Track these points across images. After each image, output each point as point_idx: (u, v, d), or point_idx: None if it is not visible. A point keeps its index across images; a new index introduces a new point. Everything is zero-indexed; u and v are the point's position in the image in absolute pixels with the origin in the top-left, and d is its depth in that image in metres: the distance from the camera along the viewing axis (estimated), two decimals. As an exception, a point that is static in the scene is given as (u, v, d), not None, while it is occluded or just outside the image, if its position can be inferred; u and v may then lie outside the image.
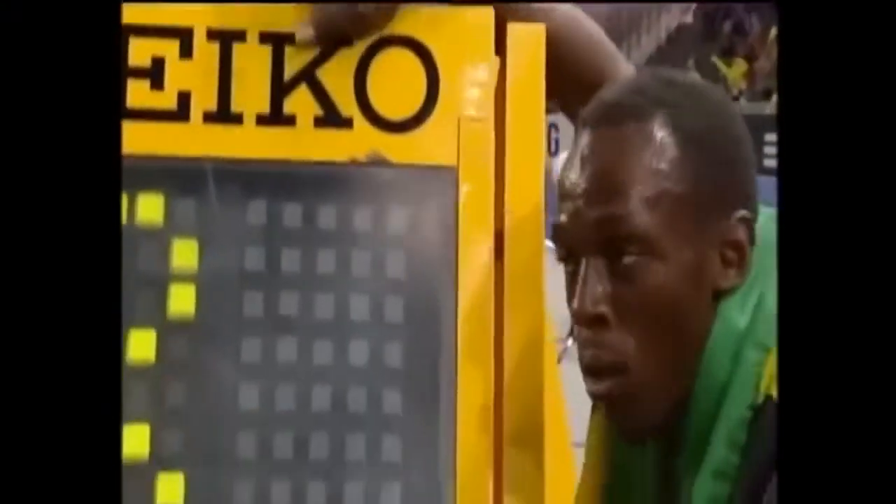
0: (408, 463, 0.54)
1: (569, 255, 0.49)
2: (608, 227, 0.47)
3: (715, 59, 10.42)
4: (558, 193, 0.51)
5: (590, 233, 0.47)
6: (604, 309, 0.46)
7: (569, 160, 0.50)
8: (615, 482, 0.55)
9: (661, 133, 0.47)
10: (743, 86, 10.17)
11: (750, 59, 10.38)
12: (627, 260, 0.46)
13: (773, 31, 8.90)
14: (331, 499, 0.53)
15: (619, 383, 0.47)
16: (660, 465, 0.52)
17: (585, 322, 0.47)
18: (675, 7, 12.09)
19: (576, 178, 0.48)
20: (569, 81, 0.61)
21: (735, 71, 10.25)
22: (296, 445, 0.53)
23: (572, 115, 0.60)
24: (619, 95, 0.51)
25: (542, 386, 0.53)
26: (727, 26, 11.26)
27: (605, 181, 0.47)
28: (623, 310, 0.46)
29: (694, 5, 12.30)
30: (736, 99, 9.64)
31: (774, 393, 0.43)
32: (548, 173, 0.61)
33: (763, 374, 0.44)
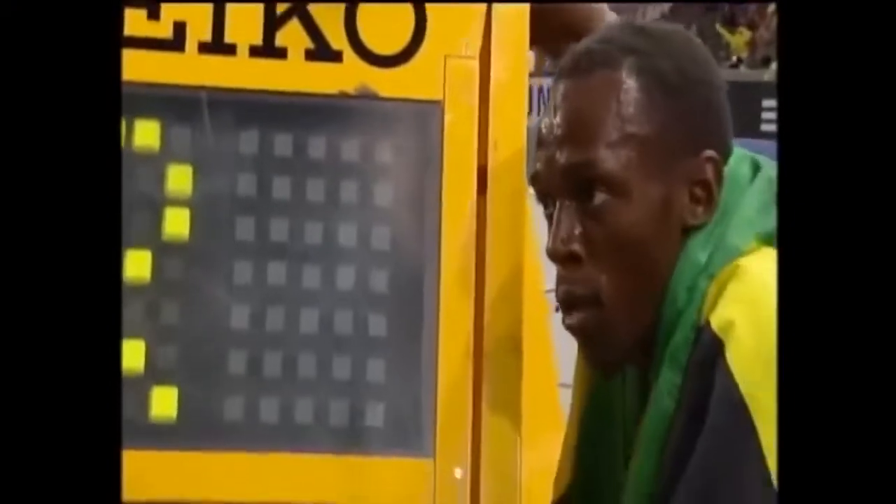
0: (391, 383, 0.56)
1: (545, 199, 0.51)
2: (578, 171, 0.49)
3: (718, 27, 10.71)
4: (536, 142, 0.53)
5: (562, 177, 0.49)
6: (576, 247, 0.48)
7: (545, 110, 0.52)
8: (600, 409, 0.58)
9: (629, 79, 0.49)
10: (744, 54, 10.40)
11: (751, 28, 10.63)
12: (597, 201, 0.48)
13: (773, 5, 9.21)
14: (317, 415, 0.56)
15: (591, 315, 0.49)
16: (638, 391, 0.55)
17: (559, 260, 0.50)
18: None
19: (549, 126, 0.50)
20: (556, 28, 0.63)
21: (738, 39, 10.45)
22: (284, 364, 0.56)
23: (557, 57, 0.61)
24: (590, 45, 0.52)
25: (521, 311, 0.55)
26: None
27: (574, 128, 0.49)
28: (594, 247, 0.49)
29: None
30: (736, 66, 10.02)
31: (712, 319, 0.45)
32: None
33: (706, 301, 0.47)
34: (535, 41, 0.62)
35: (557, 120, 0.50)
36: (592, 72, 0.49)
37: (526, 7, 0.58)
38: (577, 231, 0.49)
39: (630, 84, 0.49)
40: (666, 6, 12.67)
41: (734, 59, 10.43)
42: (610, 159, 0.48)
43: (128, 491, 0.53)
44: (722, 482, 0.44)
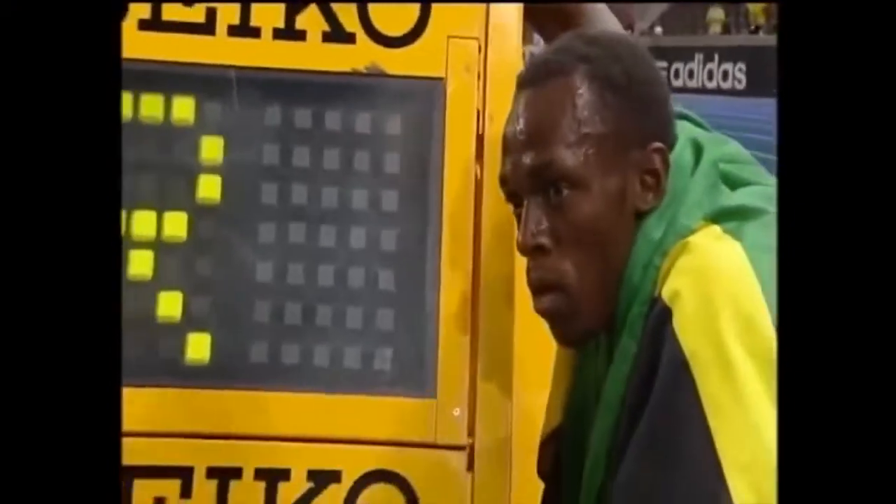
0: (398, 331, 0.62)
1: (514, 198, 0.55)
2: (542, 172, 0.53)
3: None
4: (502, 147, 0.56)
5: (528, 178, 0.53)
6: (543, 239, 0.53)
7: (508, 117, 0.56)
8: (582, 367, 0.63)
9: (582, 85, 0.53)
10: (762, 21, 11.17)
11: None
12: (559, 197, 0.52)
13: None
14: (332, 359, 0.62)
15: (558, 298, 0.53)
16: (606, 357, 0.59)
17: (528, 252, 0.54)
18: None
19: (514, 132, 0.54)
20: (549, 17, 0.68)
21: (756, 8, 11.17)
22: (304, 313, 0.62)
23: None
24: (546, 56, 0.57)
25: (513, 266, 0.60)
26: None
27: (536, 133, 0.53)
28: (559, 238, 0.53)
29: None
30: (755, 32, 11.15)
31: (663, 291, 0.49)
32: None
33: (660, 276, 0.51)
34: (527, 20, 0.66)
35: (521, 126, 0.54)
36: (549, 81, 0.54)
37: None
38: (544, 225, 0.53)
39: (583, 89, 0.53)
40: None
41: (753, 26, 11.31)
42: (569, 158, 0.52)
43: (164, 424, 0.59)
44: (667, 433, 0.48)
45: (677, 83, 11.80)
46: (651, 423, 0.48)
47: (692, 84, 11.87)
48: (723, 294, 0.47)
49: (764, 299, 0.46)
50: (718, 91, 11.40)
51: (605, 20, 0.70)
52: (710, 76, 11.73)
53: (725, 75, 11.53)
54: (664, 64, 12.27)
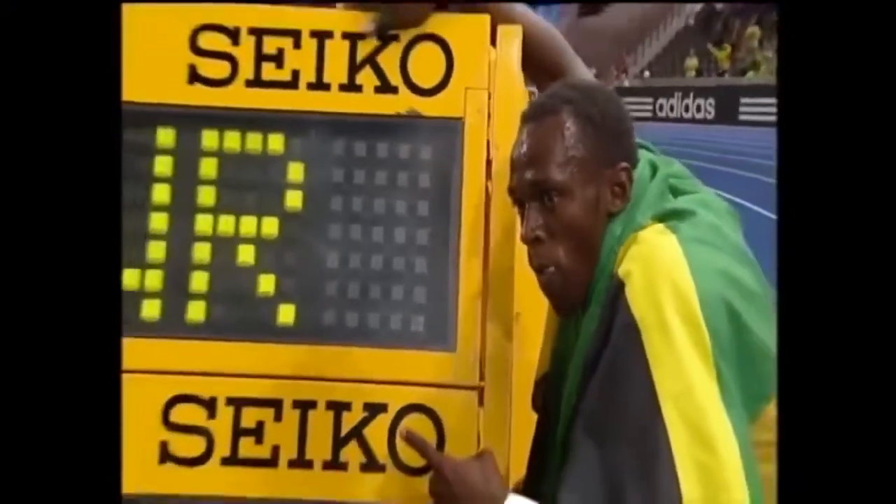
0: (429, 303, 0.82)
1: (519, 204, 0.74)
2: (539, 184, 0.71)
3: (709, 47, 15.57)
4: (510, 166, 0.74)
5: (528, 188, 0.72)
6: (540, 233, 0.71)
7: (515, 144, 0.74)
8: (559, 340, 0.81)
9: (568, 121, 0.71)
10: (727, 66, 15.15)
11: (733, 47, 15.29)
12: (552, 203, 0.70)
13: (749, 29, 14.54)
14: (381, 323, 0.82)
15: (553, 276, 0.72)
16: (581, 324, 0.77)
17: (529, 242, 0.72)
18: (684, 13, 17.43)
19: (519, 155, 0.73)
20: (540, 69, 0.87)
21: (723, 54, 15.14)
22: (361, 290, 0.83)
23: (542, 90, 0.86)
24: (542, 99, 0.75)
25: (513, 257, 0.81)
26: (718, 26, 16.52)
27: (534, 156, 0.71)
28: (552, 232, 0.71)
29: (697, 9, 17.75)
30: (722, 75, 15.27)
31: (619, 271, 0.65)
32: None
33: (618, 260, 0.68)
34: (524, 73, 0.87)
35: (524, 151, 0.72)
36: (544, 118, 0.72)
37: (518, 56, 0.83)
38: (540, 222, 0.71)
39: (569, 124, 0.71)
40: (674, 31, 18.39)
41: (720, 70, 15.48)
42: (559, 175, 0.70)
43: (263, 369, 0.81)
44: (618, 374, 0.64)
45: (661, 115, 15.71)
46: (607, 367, 0.66)
47: (673, 115, 15.38)
48: (662, 274, 0.64)
49: (691, 278, 0.63)
50: (693, 121, 14.77)
51: (581, 71, 0.89)
52: (687, 109, 15.43)
53: (699, 108, 15.09)
54: (650, 99, 16.41)
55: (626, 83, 16.95)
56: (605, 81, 14.17)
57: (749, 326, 0.64)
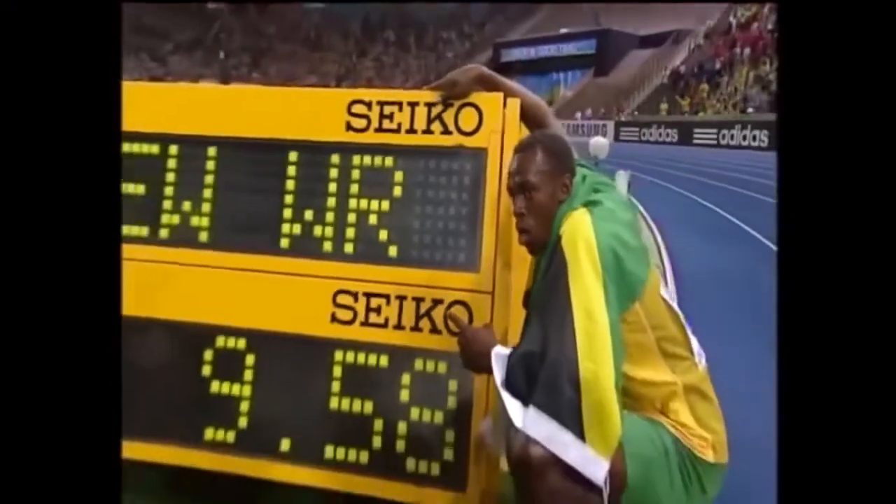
0: (469, 255, 1.49)
1: (512, 195, 1.32)
2: (522, 186, 1.27)
3: (676, 97, 25.02)
4: (508, 175, 1.32)
5: (516, 187, 1.29)
6: (521, 211, 1.29)
7: (510, 163, 1.32)
8: (534, 268, 1.43)
9: (540, 153, 1.28)
10: (687, 108, 24.11)
11: (691, 98, 24.69)
12: (529, 195, 1.27)
13: (701, 86, 24.67)
14: (445, 257, 1.51)
15: (528, 235, 1.30)
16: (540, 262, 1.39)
17: (516, 215, 1.30)
18: (657, 77, 27.67)
19: (512, 170, 1.31)
20: (531, 122, 1.50)
21: (685, 103, 24.61)
22: (433, 243, 1.51)
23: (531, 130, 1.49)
24: (525, 139, 1.34)
25: (511, 228, 1.45)
26: (681, 84, 26.04)
27: (520, 171, 1.28)
28: (528, 209, 1.28)
29: (670, 70, 27.50)
30: (682, 114, 24.33)
31: (561, 232, 1.20)
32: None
33: (561, 224, 1.22)
34: (523, 122, 1.51)
35: (515, 167, 1.31)
36: (526, 150, 1.31)
37: (517, 115, 1.47)
38: (522, 206, 1.29)
39: (539, 153, 1.29)
40: (651, 88, 26.91)
41: (682, 111, 24.30)
42: (533, 179, 1.28)
43: (382, 286, 1.52)
44: (552, 291, 1.18)
45: (644, 139, 24.24)
46: (549, 280, 1.26)
47: (651, 139, 23.93)
48: (579, 234, 1.21)
49: (594, 236, 1.19)
50: (663, 143, 23.04)
51: (554, 123, 1.50)
52: (660, 136, 23.83)
53: (667, 135, 23.56)
54: (637, 129, 25.30)
55: (622, 118, 26.99)
56: (608, 116, 27.11)
57: (625, 263, 1.17)
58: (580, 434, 1.04)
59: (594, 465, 1.04)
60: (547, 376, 1.08)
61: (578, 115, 27.68)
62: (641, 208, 7.42)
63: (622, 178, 7.06)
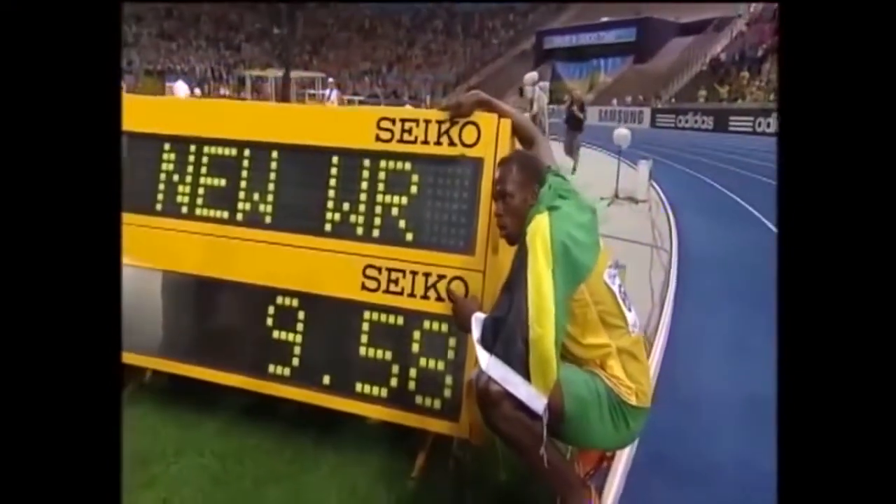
0: (467, 241, 1.77)
1: (494, 199, 1.60)
2: (502, 193, 1.54)
3: (715, 85, 24.02)
4: (492, 183, 1.62)
5: (497, 193, 1.56)
6: (500, 212, 1.56)
7: (495, 172, 1.61)
8: (514, 257, 1.70)
9: (515, 167, 1.55)
10: (725, 95, 22.85)
11: (730, 85, 23.32)
12: (506, 199, 1.54)
13: (741, 74, 23.31)
14: (448, 241, 1.80)
15: (506, 230, 1.57)
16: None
17: (497, 216, 1.58)
18: (697, 64, 26.08)
19: (495, 178, 1.59)
20: (522, 138, 1.75)
21: (723, 90, 23.41)
22: (441, 229, 1.81)
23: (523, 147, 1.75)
24: (507, 156, 1.61)
25: (498, 245, 1.73)
26: (721, 71, 24.57)
27: (501, 180, 1.55)
28: (505, 211, 1.55)
29: (710, 57, 26.07)
30: (721, 101, 23.22)
31: (527, 230, 1.44)
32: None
33: (530, 225, 1.46)
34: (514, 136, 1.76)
35: (497, 177, 1.60)
36: (506, 164, 1.59)
37: (509, 131, 1.73)
38: (501, 207, 1.57)
39: (515, 170, 1.56)
40: (690, 75, 25.96)
41: (720, 98, 22.97)
42: (510, 188, 1.55)
43: (403, 263, 1.84)
44: (517, 269, 1.45)
45: (680, 126, 23.33)
46: (516, 262, 1.54)
47: (686, 126, 23.08)
48: (538, 232, 1.46)
49: (549, 233, 1.43)
50: (699, 129, 22.33)
51: (541, 139, 1.75)
52: (695, 122, 22.73)
53: (703, 122, 22.55)
54: (673, 116, 24.08)
55: (659, 105, 25.72)
56: (645, 103, 25.63)
57: (572, 254, 1.41)
58: (527, 377, 1.33)
59: (536, 400, 1.33)
60: (506, 335, 1.37)
61: (615, 101, 26.83)
62: (662, 194, 7.41)
63: (644, 167, 7.09)
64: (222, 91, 31.33)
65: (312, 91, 16.68)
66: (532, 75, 12.57)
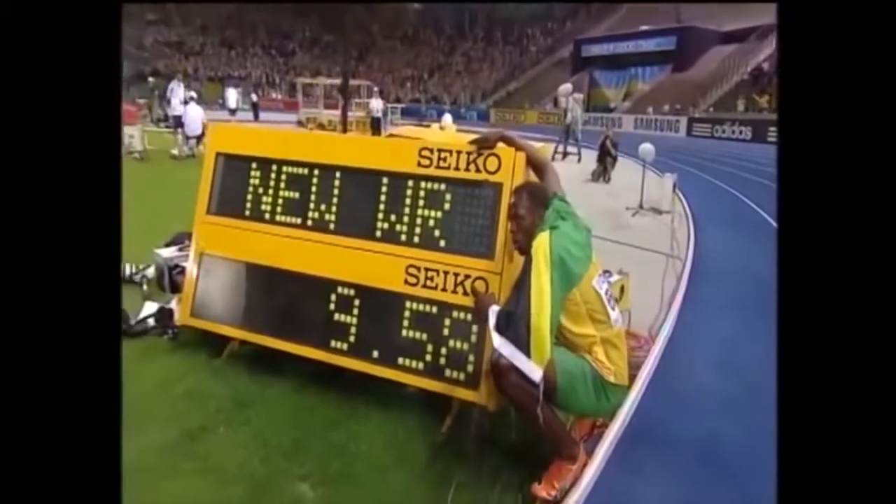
0: (489, 247, 2.18)
1: (510, 220, 2.00)
2: (515, 215, 1.94)
3: (754, 95, 22.80)
4: (507, 206, 2.03)
5: (512, 214, 1.96)
6: (514, 230, 1.97)
7: (510, 198, 2.01)
8: (523, 267, 2.09)
9: (524, 194, 1.93)
10: (766, 106, 21.74)
11: (770, 95, 22.00)
12: (519, 219, 1.93)
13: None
14: (472, 247, 2.22)
15: (518, 245, 1.97)
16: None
17: (511, 234, 1.99)
18: (737, 73, 24.94)
19: (510, 203, 1.98)
20: (535, 168, 2.15)
21: (763, 101, 22.22)
22: (467, 240, 2.23)
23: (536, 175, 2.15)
24: (518, 187, 2.01)
25: (513, 254, 2.14)
26: (763, 80, 23.18)
27: (515, 205, 1.95)
28: (517, 230, 1.95)
29: (752, 66, 24.45)
30: (761, 111, 21.36)
31: (533, 245, 1.82)
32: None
33: (535, 241, 1.84)
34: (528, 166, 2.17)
35: (512, 202, 2.00)
36: (518, 191, 2.00)
37: (524, 162, 2.14)
38: (514, 226, 1.98)
39: (525, 195, 1.97)
40: (730, 84, 24.13)
41: (759, 108, 21.67)
42: (521, 211, 1.96)
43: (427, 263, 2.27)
44: (524, 276, 1.83)
45: (716, 135, 22.29)
46: (522, 275, 1.92)
47: (724, 136, 21.87)
48: (541, 247, 1.85)
49: (549, 247, 1.82)
50: (736, 139, 21.17)
51: (550, 169, 2.13)
52: (733, 133, 21.71)
53: (741, 132, 21.48)
54: (709, 125, 23.23)
55: (696, 114, 24.67)
56: (683, 112, 24.55)
57: (568, 265, 1.78)
58: (528, 355, 1.74)
59: (534, 372, 1.74)
60: (514, 323, 1.78)
61: (650, 109, 26.36)
62: (686, 204, 7.55)
63: (668, 181, 7.26)
64: (273, 95, 32.82)
65: (359, 99, 17.39)
66: (566, 87, 12.80)
